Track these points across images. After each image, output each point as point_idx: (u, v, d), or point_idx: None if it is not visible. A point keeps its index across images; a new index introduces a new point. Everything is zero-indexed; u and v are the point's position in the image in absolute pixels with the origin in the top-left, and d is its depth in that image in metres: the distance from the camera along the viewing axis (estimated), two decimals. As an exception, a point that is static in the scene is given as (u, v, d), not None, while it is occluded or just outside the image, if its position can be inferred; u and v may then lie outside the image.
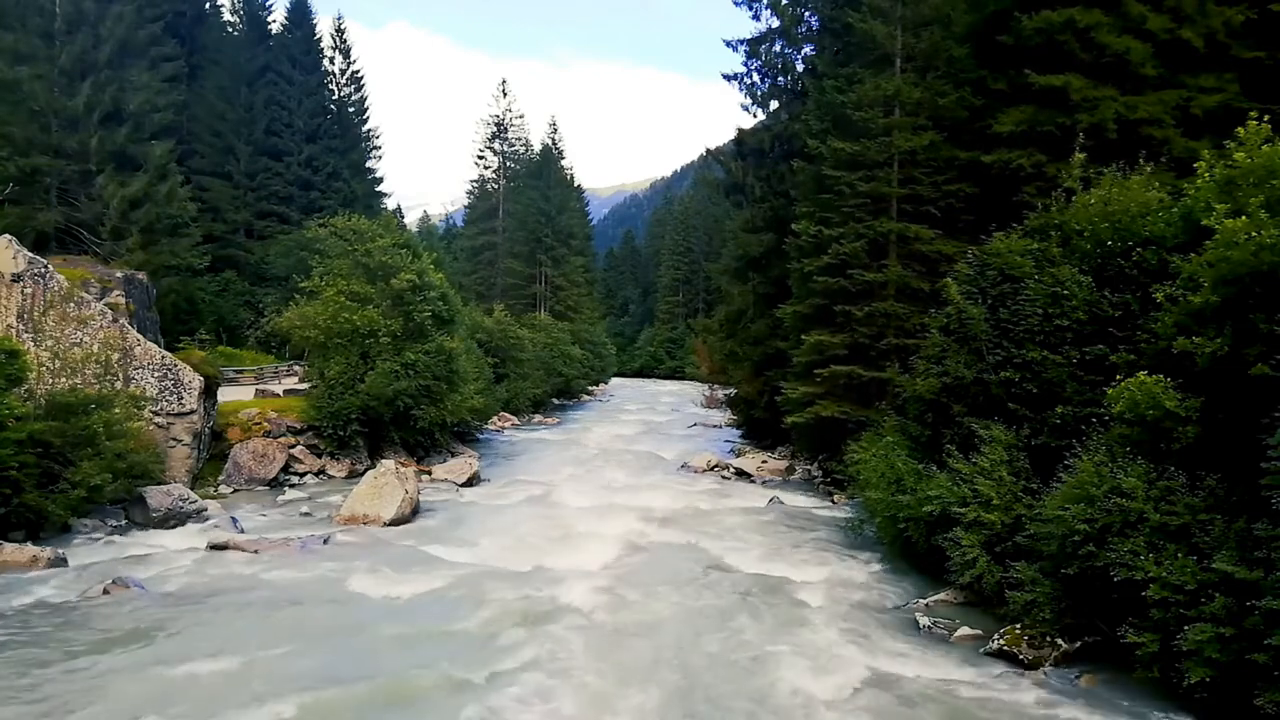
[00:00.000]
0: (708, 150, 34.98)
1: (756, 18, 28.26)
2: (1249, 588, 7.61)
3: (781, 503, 19.63)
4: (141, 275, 23.71)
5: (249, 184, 43.03)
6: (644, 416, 45.98)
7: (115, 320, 18.27)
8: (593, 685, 8.84)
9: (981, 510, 11.08)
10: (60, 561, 12.52)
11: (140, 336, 18.81)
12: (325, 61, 48.02)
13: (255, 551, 13.60)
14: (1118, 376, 9.99)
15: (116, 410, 15.60)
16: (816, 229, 20.43)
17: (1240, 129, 9.94)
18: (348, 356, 22.49)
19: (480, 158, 67.06)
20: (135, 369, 18.15)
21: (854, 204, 19.99)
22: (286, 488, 20.13)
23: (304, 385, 25.32)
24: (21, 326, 16.91)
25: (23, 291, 17.13)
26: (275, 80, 44.39)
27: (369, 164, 50.49)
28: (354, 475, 20.99)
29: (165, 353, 19.06)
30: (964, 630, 10.63)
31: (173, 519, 15.44)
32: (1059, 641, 9.70)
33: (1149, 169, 13.04)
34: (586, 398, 59.42)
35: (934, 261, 19.19)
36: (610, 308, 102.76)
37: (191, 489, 17.32)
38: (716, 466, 25.20)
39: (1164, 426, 9.27)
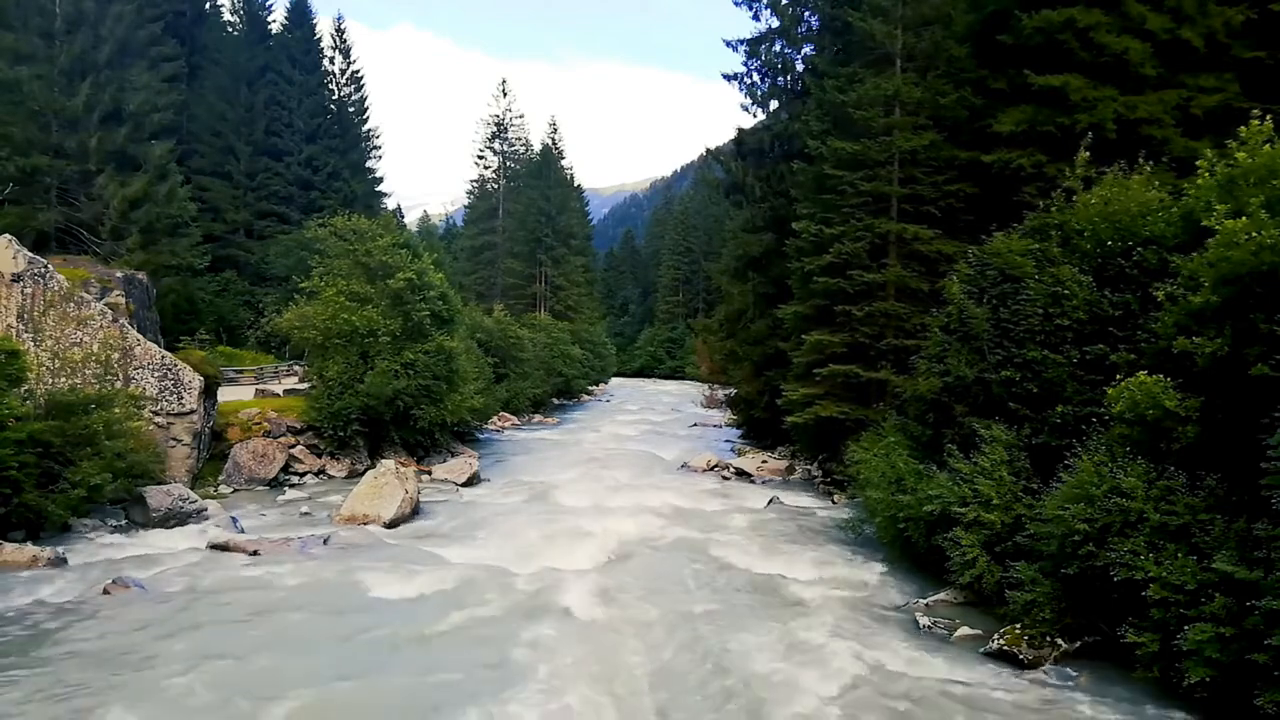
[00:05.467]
0: (708, 150, 34.89)
1: (756, 18, 28.28)
2: (1249, 588, 7.62)
3: (781, 503, 19.62)
4: (141, 275, 23.71)
5: (249, 184, 43.12)
6: (644, 416, 45.96)
7: (115, 320, 18.26)
8: (592, 684, 8.83)
9: (981, 510, 11.09)
10: (60, 561, 12.51)
11: (140, 336, 18.81)
12: (325, 61, 48.14)
13: (255, 551, 13.60)
14: (1118, 376, 10.00)
15: (116, 410, 15.60)
16: (817, 229, 20.42)
17: (1242, 128, 9.94)
18: (347, 356, 22.51)
19: (480, 158, 67.20)
20: (135, 369, 18.15)
21: (854, 204, 19.97)
22: (286, 488, 20.12)
23: (304, 385, 25.32)
24: (21, 326, 16.91)
25: (23, 291, 17.13)
26: (275, 80, 44.45)
27: (369, 164, 50.63)
28: (354, 475, 20.99)
29: (165, 353, 19.07)
30: (964, 630, 10.64)
31: (173, 519, 15.43)
32: (1059, 641, 9.70)
33: (1149, 169, 13.04)
34: (586, 398, 59.44)
35: (934, 261, 19.20)
36: (610, 308, 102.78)
37: (191, 489, 17.31)
38: (716, 466, 25.19)
39: (1164, 426, 9.28)
